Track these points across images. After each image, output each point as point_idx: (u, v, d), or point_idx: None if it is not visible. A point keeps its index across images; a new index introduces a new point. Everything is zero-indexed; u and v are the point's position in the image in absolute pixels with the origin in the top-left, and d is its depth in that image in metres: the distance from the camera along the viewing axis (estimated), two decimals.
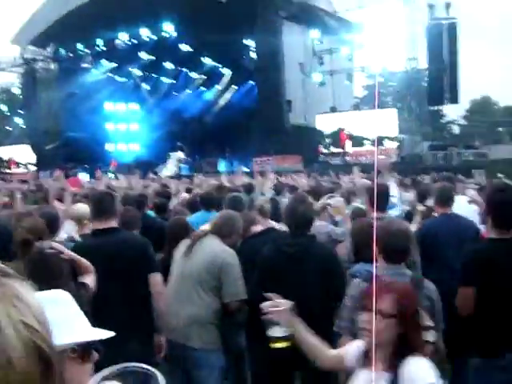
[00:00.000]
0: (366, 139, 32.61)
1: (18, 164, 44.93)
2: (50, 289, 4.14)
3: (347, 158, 32.86)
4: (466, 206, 6.90)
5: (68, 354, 1.73)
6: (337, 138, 33.79)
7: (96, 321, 2.03)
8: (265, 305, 3.30)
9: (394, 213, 8.22)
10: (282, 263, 4.88)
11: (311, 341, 3.30)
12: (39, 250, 4.46)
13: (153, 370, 1.77)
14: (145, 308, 5.19)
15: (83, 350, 1.77)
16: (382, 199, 6.13)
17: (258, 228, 5.85)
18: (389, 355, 2.88)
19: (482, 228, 6.32)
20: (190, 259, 5.31)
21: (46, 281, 4.23)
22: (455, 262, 5.47)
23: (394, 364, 2.85)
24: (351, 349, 3.15)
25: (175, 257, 5.50)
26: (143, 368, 1.72)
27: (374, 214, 5.02)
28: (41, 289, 4.27)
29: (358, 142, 32.99)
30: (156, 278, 5.30)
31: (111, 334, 1.91)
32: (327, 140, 34.10)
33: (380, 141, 32.06)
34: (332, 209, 7.36)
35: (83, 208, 7.35)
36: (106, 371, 1.70)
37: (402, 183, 11.87)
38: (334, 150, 34.02)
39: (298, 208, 5.02)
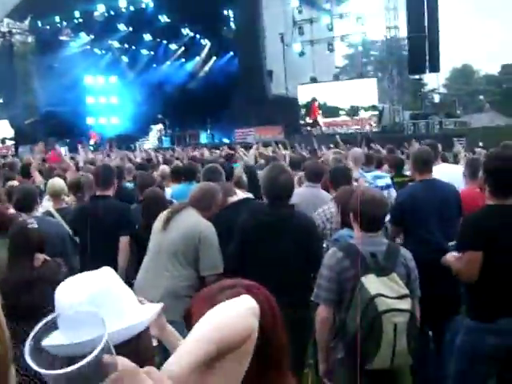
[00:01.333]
0: (342, 109, 32.62)
1: None
2: (30, 261, 4.14)
3: (323, 128, 32.91)
4: (447, 174, 6.83)
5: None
6: (310, 108, 33.76)
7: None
8: None
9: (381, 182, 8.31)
10: (259, 233, 4.84)
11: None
12: (21, 224, 4.43)
13: None
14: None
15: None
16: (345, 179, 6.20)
17: (234, 199, 5.80)
18: None
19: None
20: (167, 232, 5.24)
21: (28, 254, 4.23)
22: (433, 233, 5.49)
23: None
24: None
25: (153, 230, 5.44)
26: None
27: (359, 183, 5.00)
28: (22, 261, 4.22)
29: (332, 112, 32.97)
30: (122, 239, 6.48)
31: (160, 305, 1.83)
32: (302, 111, 34.01)
33: (356, 111, 32.08)
34: None
35: (60, 183, 7.34)
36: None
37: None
38: (308, 120, 33.93)
39: (279, 177, 4.96)
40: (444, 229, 5.45)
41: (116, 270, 1.84)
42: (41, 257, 4.22)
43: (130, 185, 9.54)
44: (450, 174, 6.97)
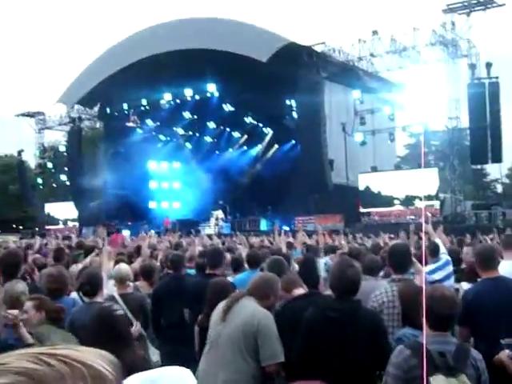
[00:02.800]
0: (396, 199, 32.52)
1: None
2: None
3: (375, 218, 32.86)
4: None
5: None
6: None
7: None
8: None
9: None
10: (325, 328, 4.83)
11: None
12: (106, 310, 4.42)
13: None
14: None
15: None
16: (403, 260, 6.10)
17: (300, 291, 5.80)
18: None
19: None
20: (227, 322, 5.24)
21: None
22: (501, 333, 5.32)
23: None
24: None
25: (213, 319, 5.45)
26: None
27: (424, 280, 4.97)
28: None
29: (387, 201, 32.93)
30: None
31: None
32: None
33: (411, 200, 31.94)
34: None
35: (126, 268, 7.49)
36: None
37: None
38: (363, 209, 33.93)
39: (346, 271, 4.98)
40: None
41: None
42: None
43: (191, 271, 9.63)
44: None
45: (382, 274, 7.36)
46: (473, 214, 31.09)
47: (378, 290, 5.81)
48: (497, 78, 30.68)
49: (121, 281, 7.27)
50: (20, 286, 5.76)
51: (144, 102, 41.47)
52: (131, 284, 7.59)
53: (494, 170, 55.09)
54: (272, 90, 34.48)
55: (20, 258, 6.97)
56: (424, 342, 3.42)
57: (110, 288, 7.40)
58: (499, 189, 60.81)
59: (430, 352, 3.78)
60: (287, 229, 33.45)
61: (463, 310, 5.48)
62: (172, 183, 49.01)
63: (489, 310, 5.44)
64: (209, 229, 37.32)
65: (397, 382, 3.95)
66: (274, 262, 6.77)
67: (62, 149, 48.63)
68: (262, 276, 5.64)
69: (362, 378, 4.66)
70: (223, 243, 16.70)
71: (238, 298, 5.39)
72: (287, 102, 39.59)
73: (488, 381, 4.05)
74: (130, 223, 39.63)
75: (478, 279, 6.43)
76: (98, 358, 0.92)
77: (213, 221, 38.73)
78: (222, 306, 5.40)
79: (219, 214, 39.21)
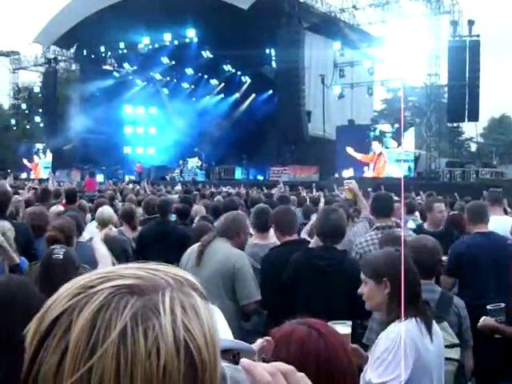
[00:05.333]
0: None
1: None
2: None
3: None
4: (499, 223, 6.77)
5: None
6: None
7: None
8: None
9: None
10: (310, 274, 4.87)
11: None
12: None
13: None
14: None
15: None
16: (386, 206, 6.16)
17: (291, 238, 5.72)
18: None
19: None
20: (201, 266, 5.26)
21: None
22: (489, 286, 5.41)
23: None
24: None
25: (186, 263, 5.43)
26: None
27: (402, 232, 5.02)
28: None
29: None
30: None
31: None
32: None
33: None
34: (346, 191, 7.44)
35: (110, 211, 7.47)
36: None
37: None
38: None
39: (331, 216, 5.02)
40: (500, 282, 5.35)
41: None
42: None
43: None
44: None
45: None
46: (447, 171, 31.29)
47: (363, 238, 5.87)
48: (478, 36, 30.67)
49: (103, 223, 7.23)
50: (6, 223, 5.77)
51: (122, 45, 40.89)
52: (114, 228, 7.57)
53: (469, 129, 55.45)
54: (252, 38, 34.07)
55: (10, 197, 7.00)
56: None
57: (91, 231, 7.36)
58: (473, 148, 61.25)
59: None
60: (261, 178, 33.65)
61: (454, 261, 5.58)
62: (148, 128, 48.66)
63: (479, 264, 5.54)
64: (184, 175, 37.31)
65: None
66: (261, 211, 6.72)
67: (37, 90, 48.04)
68: (227, 216, 5.63)
69: None
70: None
71: (209, 240, 5.39)
72: (267, 51, 39.18)
73: (470, 329, 4.13)
74: (103, 168, 39.39)
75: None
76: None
77: (188, 168, 38.69)
78: (194, 250, 5.40)
79: (194, 161, 39.14)
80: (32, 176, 41.96)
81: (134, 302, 0.86)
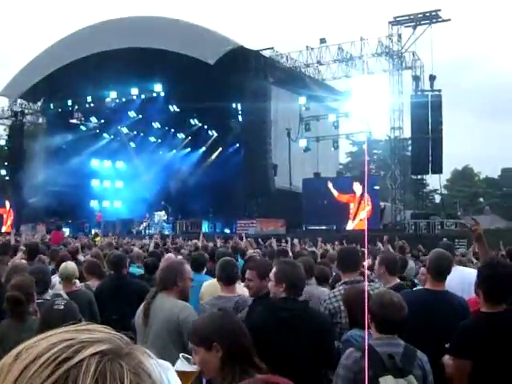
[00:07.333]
0: None
1: None
2: None
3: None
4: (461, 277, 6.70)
5: None
6: None
7: None
8: None
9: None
10: (277, 329, 4.89)
11: None
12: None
13: None
14: None
15: None
16: (352, 260, 6.18)
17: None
18: None
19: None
20: (149, 324, 5.30)
21: None
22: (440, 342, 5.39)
23: None
24: None
25: (136, 322, 5.49)
26: None
27: (366, 284, 5.08)
28: None
29: None
30: None
31: None
32: None
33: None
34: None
35: (72, 266, 7.45)
36: None
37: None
38: None
39: (294, 270, 5.07)
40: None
41: None
42: None
43: (138, 270, 9.90)
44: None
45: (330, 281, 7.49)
46: (412, 223, 31.64)
47: (332, 293, 5.91)
48: (439, 91, 31.36)
49: (67, 278, 7.24)
50: None
51: (89, 99, 40.94)
52: (78, 282, 7.56)
53: (432, 181, 56.26)
54: (219, 92, 34.45)
55: None
56: (366, 344, 3.53)
57: (55, 286, 7.35)
58: (437, 199, 62.09)
59: (379, 354, 3.90)
60: (228, 231, 33.59)
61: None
62: (114, 182, 48.62)
63: (431, 321, 5.43)
64: (151, 228, 37.15)
65: (347, 383, 4.05)
66: (227, 264, 6.75)
67: (2, 143, 47.78)
68: (162, 266, 5.71)
69: (309, 378, 4.73)
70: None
71: (153, 295, 5.42)
72: (233, 105, 39.56)
73: (433, 381, 4.19)
74: (70, 221, 39.15)
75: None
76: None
77: (154, 221, 38.56)
78: (141, 309, 5.43)
79: (161, 214, 39.04)
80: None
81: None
